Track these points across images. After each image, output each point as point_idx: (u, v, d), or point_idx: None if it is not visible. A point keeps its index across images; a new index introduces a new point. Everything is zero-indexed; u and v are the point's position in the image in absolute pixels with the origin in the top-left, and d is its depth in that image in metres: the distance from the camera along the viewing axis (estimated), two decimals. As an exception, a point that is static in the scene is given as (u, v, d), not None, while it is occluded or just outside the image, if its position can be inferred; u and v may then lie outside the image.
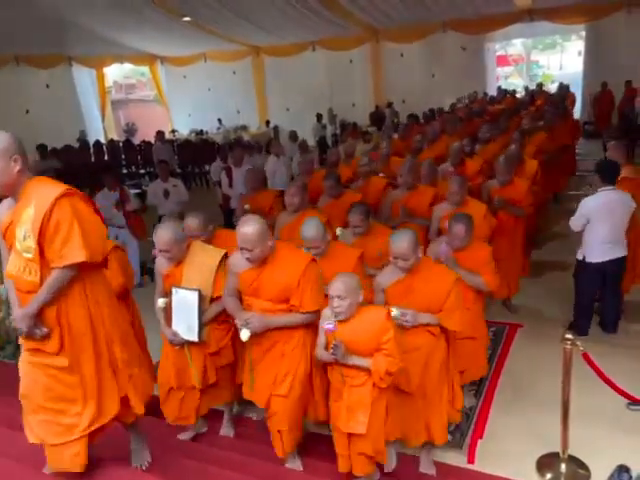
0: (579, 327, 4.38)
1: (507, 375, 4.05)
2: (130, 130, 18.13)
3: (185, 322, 3.17)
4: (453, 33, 14.56)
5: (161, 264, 3.32)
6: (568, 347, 2.87)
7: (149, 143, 13.35)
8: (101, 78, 16.90)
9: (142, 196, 8.53)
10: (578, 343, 2.86)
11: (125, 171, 13.80)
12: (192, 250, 3.25)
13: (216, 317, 3.25)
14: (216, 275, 3.19)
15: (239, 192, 6.42)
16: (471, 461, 3.20)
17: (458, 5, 12.70)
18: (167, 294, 3.26)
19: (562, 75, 22.83)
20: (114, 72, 19.48)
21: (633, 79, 12.95)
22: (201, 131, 17.34)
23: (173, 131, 17.34)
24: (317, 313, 2.87)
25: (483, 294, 3.63)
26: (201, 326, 3.16)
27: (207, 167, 9.66)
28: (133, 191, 8.17)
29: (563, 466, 3.05)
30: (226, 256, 3.20)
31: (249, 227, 2.74)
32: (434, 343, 2.97)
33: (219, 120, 17.83)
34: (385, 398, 2.80)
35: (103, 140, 15.54)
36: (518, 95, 15.44)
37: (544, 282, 5.60)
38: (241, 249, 2.79)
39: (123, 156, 14.28)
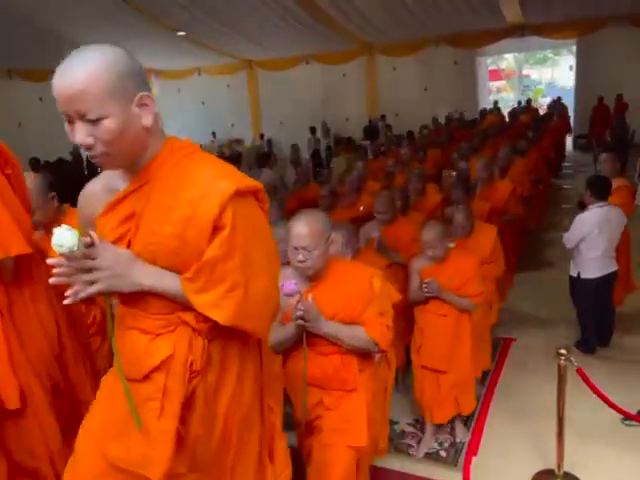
0: (587, 343, 4.34)
1: (501, 391, 4.01)
2: (124, 143, 18.09)
3: None
4: (446, 47, 14.72)
5: None
6: (562, 362, 2.85)
7: (143, 156, 13.33)
8: (95, 91, 16.94)
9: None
10: (572, 358, 2.84)
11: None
12: None
13: None
14: None
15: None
16: (466, 478, 3.16)
17: (451, 20, 12.84)
18: None
19: (554, 89, 23.10)
20: (108, 86, 19.51)
21: (624, 93, 13.10)
22: (195, 144, 17.35)
23: (167, 144, 17.33)
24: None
25: (379, 371, 2.51)
26: None
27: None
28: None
29: (559, 483, 3.02)
30: None
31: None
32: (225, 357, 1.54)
33: (213, 133, 17.85)
34: None
35: (97, 153, 15.52)
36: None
37: (534, 295, 5.56)
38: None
39: (117, 169, 14.24)
